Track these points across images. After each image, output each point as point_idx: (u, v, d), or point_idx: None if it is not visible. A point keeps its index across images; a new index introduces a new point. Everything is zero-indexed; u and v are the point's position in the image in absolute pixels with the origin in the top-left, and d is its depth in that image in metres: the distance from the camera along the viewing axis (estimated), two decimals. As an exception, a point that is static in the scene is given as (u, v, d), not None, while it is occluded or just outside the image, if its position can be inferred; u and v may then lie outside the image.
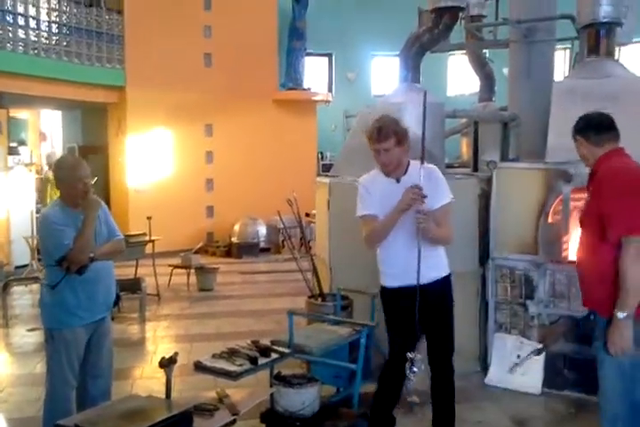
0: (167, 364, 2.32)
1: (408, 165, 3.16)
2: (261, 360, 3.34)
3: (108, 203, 11.41)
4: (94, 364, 3.25)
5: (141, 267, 7.60)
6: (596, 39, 5.19)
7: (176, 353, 2.38)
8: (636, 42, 9.17)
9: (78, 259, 3.01)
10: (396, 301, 3.16)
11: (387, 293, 3.24)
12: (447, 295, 3.24)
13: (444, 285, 3.21)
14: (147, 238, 7.37)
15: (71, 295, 3.12)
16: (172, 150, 11.27)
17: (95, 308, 3.21)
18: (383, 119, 3.10)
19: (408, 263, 2.98)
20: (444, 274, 3.22)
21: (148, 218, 7.37)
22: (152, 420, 2.05)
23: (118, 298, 3.59)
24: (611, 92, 4.65)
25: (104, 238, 3.27)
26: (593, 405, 4.02)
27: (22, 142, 12.10)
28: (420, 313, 2.97)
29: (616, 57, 5.56)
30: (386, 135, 3.02)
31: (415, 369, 2.76)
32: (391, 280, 3.18)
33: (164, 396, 2.40)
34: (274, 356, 3.46)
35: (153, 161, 11.00)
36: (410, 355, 2.78)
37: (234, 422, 2.29)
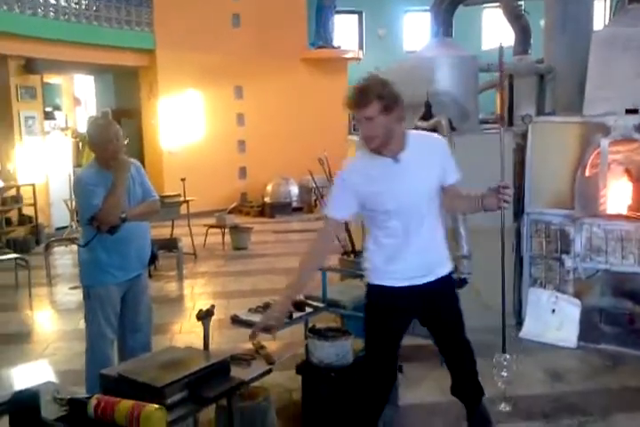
0: (204, 316, 2.39)
1: (406, 137, 2.50)
2: (296, 314, 3.40)
3: (142, 165, 11.61)
4: (132, 319, 3.34)
5: (177, 227, 7.74)
6: (639, -16, 4.95)
7: (213, 306, 2.44)
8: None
9: (107, 219, 3.04)
10: (394, 301, 2.57)
11: (384, 292, 2.58)
12: (455, 293, 2.76)
13: (449, 281, 2.70)
14: (181, 199, 7.48)
15: (104, 254, 3.17)
16: (203, 113, 11.29)
17: (128, 266, 3.25)
18: (367, 80, 2.43)
19: (422, 260, 2.54)
20: (448, 272, 2.68)
21: (182, 179, 7.46)
22: (191, 369, 2.11)
23: (155, 257, 3.61)
24: (653, 38, 4.45)
25: (138, 199, 3.28)
26: (630, 358, 4.04)
27: (57, 107, 12.24)
28: (425, 316, 2.65)
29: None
30: (367, 100, 2.34)
31: (505, 374, 2.47)
32: (394, 280, 2.56)
33: (202, 348, 2.48)
34: (308, 310, 3.52)
35: (185, 123, 11.05)
36: (498, 357, 2.47)
37: (269, 371, 2.36)
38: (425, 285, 2.54)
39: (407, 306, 2.57)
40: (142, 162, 11.59)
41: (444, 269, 2.62)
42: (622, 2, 5.35)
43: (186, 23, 10.66)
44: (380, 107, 2.35)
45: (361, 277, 4.23)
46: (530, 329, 4.42)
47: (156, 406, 1.80)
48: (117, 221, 3.06)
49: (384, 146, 2.43)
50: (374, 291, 2.61)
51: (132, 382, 2.00)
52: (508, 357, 2.24)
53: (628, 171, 4.40)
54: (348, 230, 5.25)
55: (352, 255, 5.08)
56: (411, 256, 2.51)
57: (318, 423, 3.12)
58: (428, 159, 2.50)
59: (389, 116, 2.37)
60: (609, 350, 4.16)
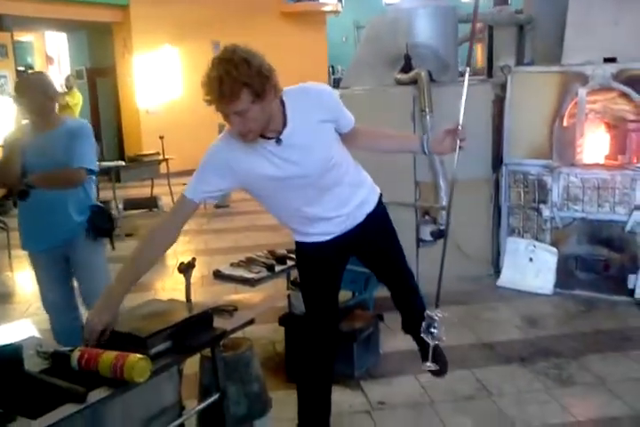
0: (186, 268, 2.40)
1: (285, 109, 2.04)
2: (278, 267, 3.44)
3: (119, 124, 11.52)
4: (84, 288, 3.17)
5: (158, 186, 7.68)
6: None
7: (194, 258, 2.45)
8: None
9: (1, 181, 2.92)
10: (321, 253, 2.36)
11: (310, 247, 2.36)
12: (386, 218, 2.46)
13: (377, 209, 2.39)
14: (160, 158, 7.40)
15: (21, 221, 3.06)
16: (180, 69, 11.05)
17: (38, 238, 3.03)
18: (222, 62, 1.84)
19: (341, 217, 2.28)
20: (376, 201, 2.40)
21: (161, 137, 7.36)
22: (174, 320, 2.13)
23: (108, 230, 3.13)
24: (632, -15, 4.40)
25: (59, 165, 2.89)
26: (603, 302, 4.16)
27: (29, 66, 11.92)
28: (361, 252, 2.44)
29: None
30: (232, 92, 1.82)
31: (434, 331, 2.18)
32: (316, 237, 2.33)
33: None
34: (290, 263, 3.56)
35: (162, 81, 10.83)
36: (429, 313, 2.20)
37: (252, 321, 2.39)
38: (351, 229, 2.32)
39: (336, 254, 2.38)
40: (119, 121, 11.49)
41: (369, 206, 2.36)
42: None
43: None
44: (250, 96, 1.85)
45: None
46: (508, 277, 4.52)
47: (140, 355, 1.83)
48: (19, 185, 2.85)
49: (263, 132, 2.01)
50: (300, 247, 2.40)
51: (115, 334, 2.02)
52: (439, 313, 2.13)
53: (605, 120, 4.41)
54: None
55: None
56: (326, 222, 2.26)
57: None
58: (315, 125, 2.09)
59: (264, 101, 1.89)
60: (583, 295, 4.28)
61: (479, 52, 8.51)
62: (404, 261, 2.53)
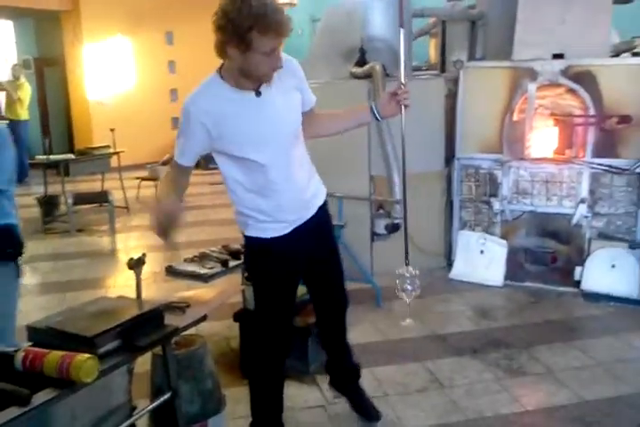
0: (135, 264, 2.35)
1: None
2: (232, 263, 3.41)
3: (68, 116, 11.20)
4: None
5: (109, 180, 7.51)
6: None
7: (144, 254, 2.40)
8: None
9: None
10: (280, 250, 2.29)
11: (266, 243, 2.26)
12: (329, 218, 2.50)
13: (325, 207, 2.42)
14: (111, 151, 7.23)
15: None
16: (132, 60, 10.82)
17: None
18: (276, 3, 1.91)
19: (300, 201, 2.26)
20: (324, 197, 2.41)
21: (112, 130, 7.18)
22: (123, 318, 2.08)
23: (9, 255, 2.55)
24: (579, -16, 4.50)
25: None
26: (551, 293, 4.28)
27: (-28, 55, 11.46)
28: (310, 252, 2.36)
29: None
30: (288, 27, 1.91)
31: (409, 287, 2.25)
32: (273, 231, 2.26)
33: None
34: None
35: (113, 72, 10.57)
36: (401, 271, 2.25)
37: (205, 318, 2.36)
38: (305, 222, 2.30)
39: (295, 250, 2.30)
40: (68, 113, 11.14)
41: (319, 199, 2.37)
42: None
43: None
44: None
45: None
46: (459, 270, 4.60)
47: (87, 355, 1.78)
48: None
49: (249, 84, 2.03)
50: (254, 242, 2.30)
51: (61, 334, 1.96)
52: (411, 269, 2.22)
53: (553, 115, 4.52)
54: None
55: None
56: (287, 202, 2.21)
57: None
58: (288, 89, 2.12)
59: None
60: (532, 287, 4.39)
61: (432, 47, 8.59)
62: (343, 284, 2.56)
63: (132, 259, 2.34)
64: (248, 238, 2.33)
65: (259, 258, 2.36)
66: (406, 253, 2.32)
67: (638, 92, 4.14)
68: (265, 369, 2.50)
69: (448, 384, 3.09)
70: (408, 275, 2.21)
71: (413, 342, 3.59)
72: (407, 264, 2.23)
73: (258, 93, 2.04)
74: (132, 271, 2.38)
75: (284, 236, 2.27)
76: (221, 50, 1.97)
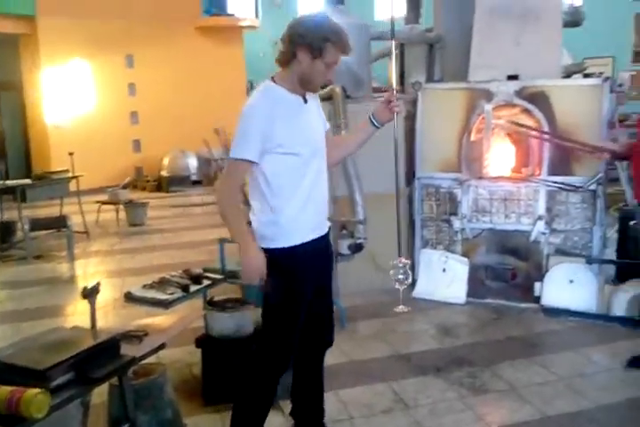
0: (90, 293, 2.30)
1: None
2: (193, 287, 3.36)
3: (26, 140, 11.00)
4: None
5: (68, 205, 7.37)
6: (517, -47, 5.14)
7: (98, 282, 2.35)
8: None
9: None
10: (307, 262, 2.34)
11: (297, 253, 2.32)
12: (332, 247, 2.62)
13: (329, 235, 2.53)
14: (70, 175, 7.11)
15: None
16: (91, 83, 10.74)
17: None
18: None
19: (323, 208, 2.43)
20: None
21: (70, 154, 7.07)
22: (77, 349, 2.03)
23: None
24: (531, 8, 4.65)
25: None
26: (512, 310, 4.33)
27: None
28: (319, 273, 2.44)
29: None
30: (350, 48, 2.27)
31: (401, 276, 2.40)
32: (303, 232, 2.34)
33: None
34: (206, 282, 3.49)
35: (72, 95, 10.46)
36: (395, 262, 2.39)
37: (163, 346, 2.32)
38: (319, 240, 2.41)
39: (312, 264, 2.38)
40: (25, 137, 10.93)
41: (328, 223, 2.51)
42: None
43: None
44: None
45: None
46: (422, 288, 4.62)
47: (38, 389, 1.73)
48: None
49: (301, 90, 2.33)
50: (278, 254, 2.31)
51: (10, 367, 1.90)
52: (403, 259, 2.41)
53: (509, 135, 4.62)
54: (246, 200, 5.22)
55: (250, 226, 5.07)
56: (317, 204, 2.38)
57: (219, 396, 3.13)
58: (317, 105, 2.44)
59: None
60: (494, 304, 4.43)
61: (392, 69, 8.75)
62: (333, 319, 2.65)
63: (85, 288, 2.30)
64: (273, 252, 2.30)
65: (283, 269, 2.32)
66: (399, 244, 2.58)
67: (589, 112, 4.27)
68: (264, 390, 2.44)
69: (413, 404, 3.08)
70: (401, 265, 2.43)
71: (378, 363, 3.58)
72: (400, 255, 2.47)
73: (305, 100, 2.33)
74: (90, 299, 2.34)
75: (304, 245, 2.32)
76: (289, 57, 2.24)
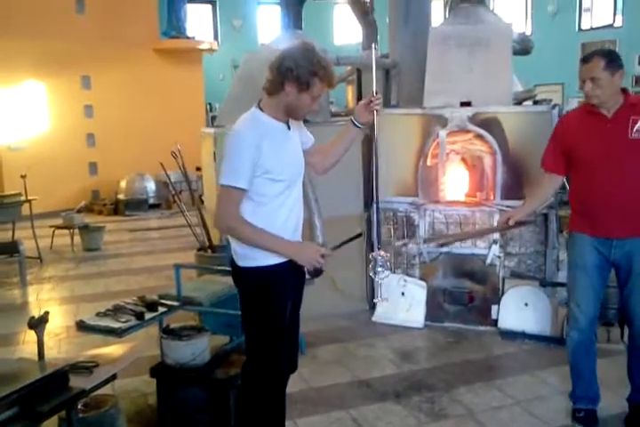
0: (37, 323, 2.22)
1: None
2: (148, 315, 3.29)
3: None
4: None
5: (20, 229, 7.16)
6: (467, -14, 5.33)
7: (46, 312, 2.28)
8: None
9: None
10: (286, 279, 2.41)
11: (276, 271, 2.37)
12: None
13: None
14: (22, 199, 6.93)
15: None
16: (46, 105, 10.54)
17: None
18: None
19: (300, 228, 2.51)
20: None
21: (23, 176, 6.90)
22: (22, 382, 1.96)
23: None
24: (482, 37, 4.80)
25: None
26: (470, 333, 4.37)
27: None
28: (295, 295, 2.54)
29: (490, 6, 5.73)
30: (336, 81, 2.49)
31: (381, 269, 2.45)
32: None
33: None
34: (161, 310, 3.42)
35: (26, 117, 10.25)
36: (373, 254, 2.45)
37: (114, 377, 2.25)
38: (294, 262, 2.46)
39: (292, 284, 2.46)
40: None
41: None
42: (456, 2, 5.71)
43: (23, 7, 9.88)
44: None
45: (221, 272, 4.19)
46: (381, 313, 4.63)
47: (-21, 427, 1.65)
48: None
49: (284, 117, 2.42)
50: (260, 273, 2.37)
51: (-50, 404, 1.82)
52: (382, 253, 2.48)
53: (463, 159, 4.72)
54: (204, 225, 5.17)
55: (209, 251, 5.02)
56: (295, 225, 2.45)
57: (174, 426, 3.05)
58: (299, 126, 2.51)
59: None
60: (452, 327, 4.46)
61: (350, 94, 8.87)
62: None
63: (32, 318, 2.22)
64: (254, 270, 2.37)
65: (263, 286, 2.38)
66: (378, 237, 2.61)
67: (539, 137, 4.38)
68: (272, 407, 2.49)
69: (372, 432, 3.06)
70: (380, 257, 2.47)
71: (338, 389, 3.55)
72: (379, 248, 2.51)
73: (288, 127, 2.41)
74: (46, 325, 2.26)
75: (283, 264, 2.36)
76: (276, 88, 2.30)
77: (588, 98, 2.82)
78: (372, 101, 2.48)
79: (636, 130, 2.77)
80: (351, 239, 2.61)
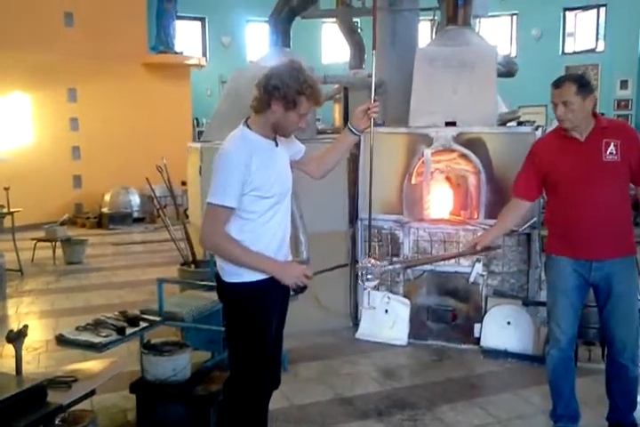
0: (15, 338, 2.19)
1: None
2: (130, 330, 3.26)
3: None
4: None
5: (1, 242, 7.10)
6: (454, 9, 5.44)
7: (25, 326, 2.25)
8: (491, 16, 9.65)
9: None
10: (272, 295, 2.42)
11: (262, 287, 2.36)
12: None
13: None
14: (4, 211, 6.86)
15: None
16: (31, 117, 10.50)
17: None
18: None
19: (284, 246, 2.49)
20: None
21: (6, 189, 6.85)
22: (-1, 397, 1.93)
23: None
24: (467, 59, 4.88)
25: None
26: (453, 351, 4.37)
27: None
28: (280, 311, 2.54)
29: (476, 29, 5.83)
30: (323, 99, 2.50)
31: (370, 276, 2.50)
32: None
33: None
34: (143, 325, 3.39)
35: (10, 128, 10.19)
36: (362, 262, 2.50)
37: (93, 393, 2.22)
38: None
39: (277, 298, 2.46)
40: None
41: (290, 258, 2.60)
42: (442, 24, 5.81)
43: (11, 20, 9.89)
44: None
45: (204, 287, 4.17)
46: (365, 330, 4.62)
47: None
48: None
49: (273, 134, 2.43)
50: (249, 288, 2.36)
51: None
52: (372, 260, 2.50)
53: (448, 178, 4.76)
54: (188, 239, 5.15)
55: (192, 266, 4.99)
56: (282, 241, 2.46)
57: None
58: (287, 139, 2.52)
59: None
60: (435, 345, 4.47)
61: (337, 111, 8.95)
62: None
63: (11, 331, 2.19)
64: (240, 286, 2.36)
65: (250, 302, 2.38)
66: (369, 246, 2.95)
67: (522, 157, 4.43)
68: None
69: (353, 450, 3.03)
70: (369, 265, 2.53)
71: (319, 407, 3.53)
72: (369, 256, 2.58)
73: (276, 144, 2.42)
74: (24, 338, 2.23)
75: (269, 279, 2.36)
76: (263, 105, 2.32)
77: (560, 122, 2.89)
78: (369, 108, 2.52)
79: (610, 152, 2.83)
80: (335, 268, 2.64)
